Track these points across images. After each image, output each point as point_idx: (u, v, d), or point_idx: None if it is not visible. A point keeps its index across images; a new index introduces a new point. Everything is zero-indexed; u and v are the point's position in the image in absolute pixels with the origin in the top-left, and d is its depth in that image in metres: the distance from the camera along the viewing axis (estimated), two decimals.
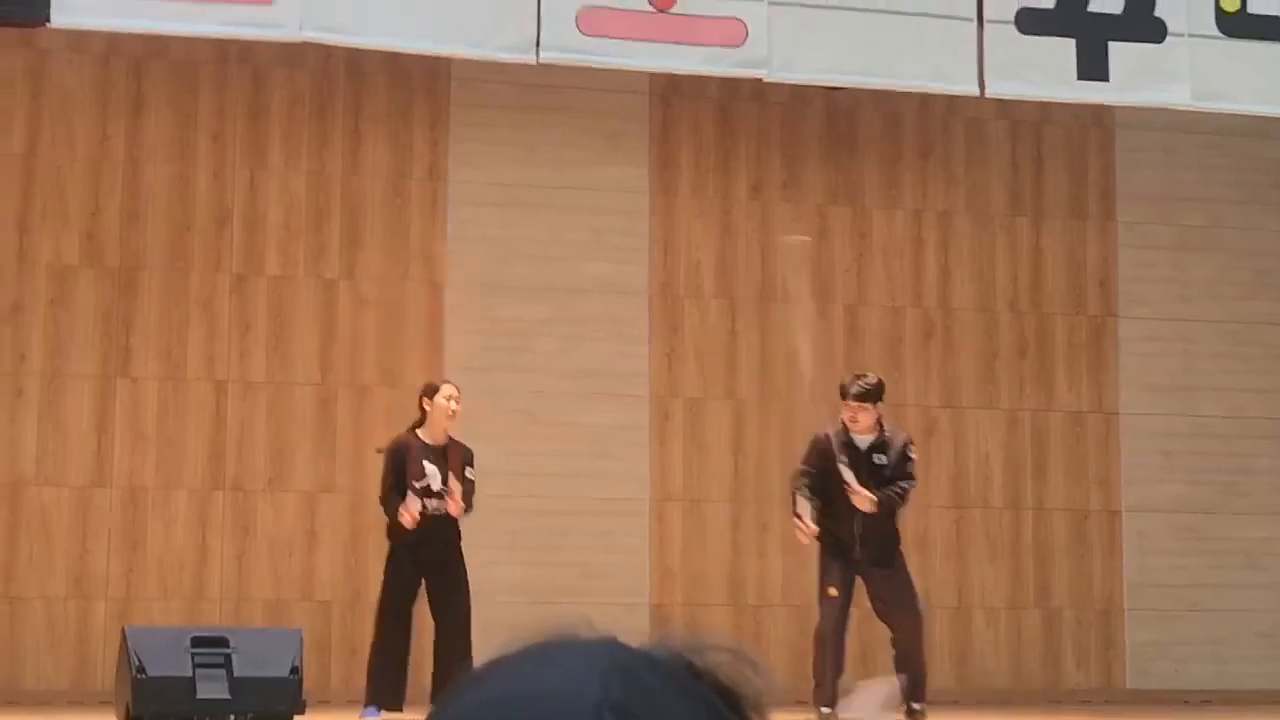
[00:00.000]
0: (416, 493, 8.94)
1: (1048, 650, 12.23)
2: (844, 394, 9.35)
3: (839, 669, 9.24)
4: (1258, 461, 12.70)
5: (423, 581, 9.08)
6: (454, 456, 9.23)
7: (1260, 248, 12.90)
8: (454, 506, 9.03)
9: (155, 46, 10.94)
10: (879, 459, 9.30)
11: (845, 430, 9.32)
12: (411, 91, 11.77)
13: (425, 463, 9.11)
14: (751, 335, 12.13)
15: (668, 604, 11.72)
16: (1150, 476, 12.49)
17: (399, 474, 9.07)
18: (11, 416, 11.03)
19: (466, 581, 9.16)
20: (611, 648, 1.18)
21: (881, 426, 9.40)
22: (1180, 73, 10.14)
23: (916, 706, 9.15)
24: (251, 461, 11.30)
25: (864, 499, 9.12)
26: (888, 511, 9.28)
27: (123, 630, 7.28)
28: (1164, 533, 12.46)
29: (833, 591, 9.26)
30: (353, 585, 11.09)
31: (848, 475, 9.13)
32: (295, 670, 7.20)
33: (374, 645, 9.19)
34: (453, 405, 9.28)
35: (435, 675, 8.95)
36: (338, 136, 11.68)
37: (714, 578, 11.84)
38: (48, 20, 8.96)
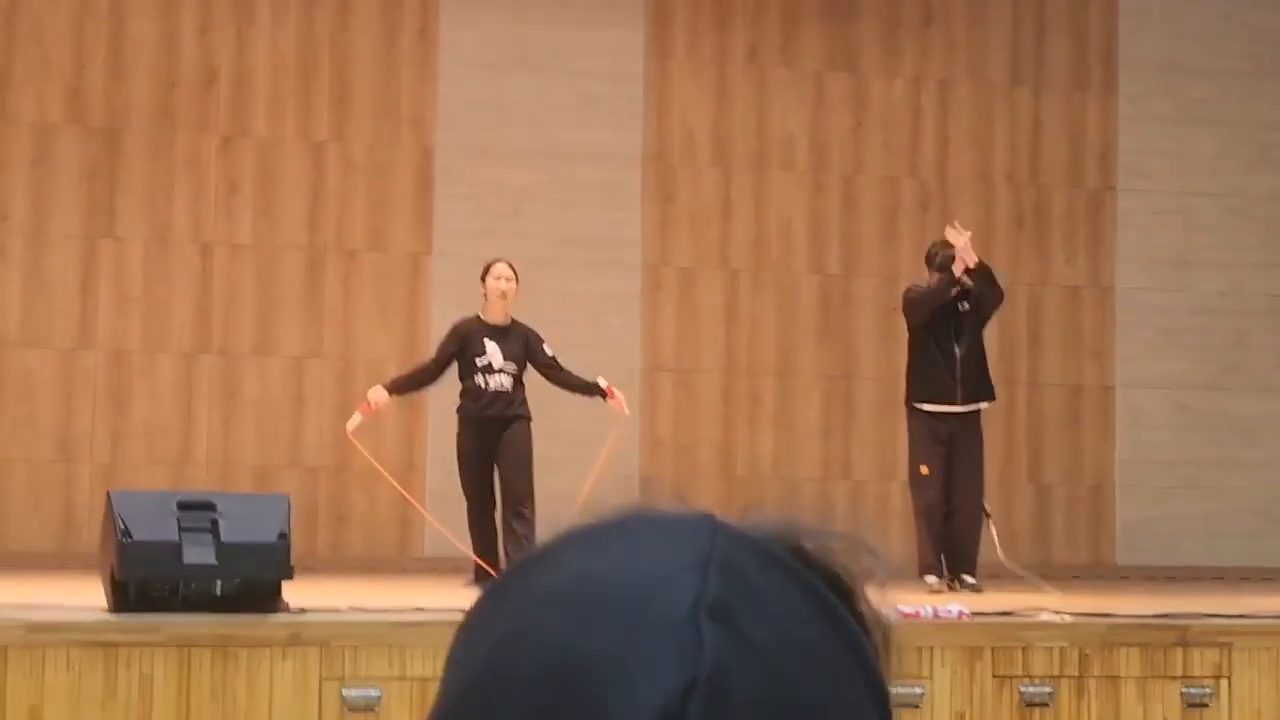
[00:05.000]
0: (478, 370, 8.96)
1: (1038, 525, 12.16)
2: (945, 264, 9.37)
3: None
4: (1256, 338, 12.57)
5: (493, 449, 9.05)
6: (515, 337, 9.13)
7: (1265, 120, 12.67)
8: (618, 403, 9.26)
9: None
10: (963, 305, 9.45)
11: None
12: None
13: (485, 340, 9.03)
14: (746, 204, 11.94)
15: (657, 475, 11.61)
16: (1147, 352, 12.36)
17: (458, 354, 9.05)
18: None
19: (528, 450, 9.07)
20: (711, 529, 0.94)
21: None
22: None
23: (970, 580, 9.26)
24: (238, 325, 11.14)
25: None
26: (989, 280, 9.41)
27: (108, 494, 7.13)
28: (1159, 409, 12.35)
29: (925, 470, 9.32)
30: (340, 452, 10.94)
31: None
32: (283, 536, 7.02)
33: (468, 514, 9.15)
34: (503, 284, 9.15)
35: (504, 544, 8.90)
36: None
37: (704, 449, 11.73)
38: None
